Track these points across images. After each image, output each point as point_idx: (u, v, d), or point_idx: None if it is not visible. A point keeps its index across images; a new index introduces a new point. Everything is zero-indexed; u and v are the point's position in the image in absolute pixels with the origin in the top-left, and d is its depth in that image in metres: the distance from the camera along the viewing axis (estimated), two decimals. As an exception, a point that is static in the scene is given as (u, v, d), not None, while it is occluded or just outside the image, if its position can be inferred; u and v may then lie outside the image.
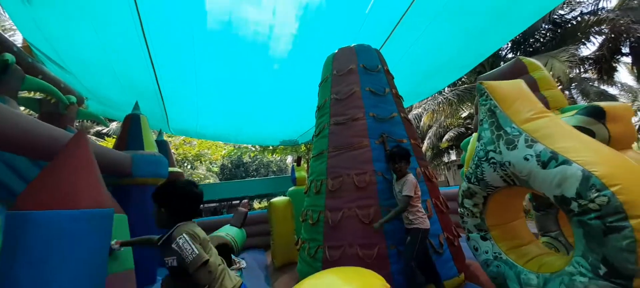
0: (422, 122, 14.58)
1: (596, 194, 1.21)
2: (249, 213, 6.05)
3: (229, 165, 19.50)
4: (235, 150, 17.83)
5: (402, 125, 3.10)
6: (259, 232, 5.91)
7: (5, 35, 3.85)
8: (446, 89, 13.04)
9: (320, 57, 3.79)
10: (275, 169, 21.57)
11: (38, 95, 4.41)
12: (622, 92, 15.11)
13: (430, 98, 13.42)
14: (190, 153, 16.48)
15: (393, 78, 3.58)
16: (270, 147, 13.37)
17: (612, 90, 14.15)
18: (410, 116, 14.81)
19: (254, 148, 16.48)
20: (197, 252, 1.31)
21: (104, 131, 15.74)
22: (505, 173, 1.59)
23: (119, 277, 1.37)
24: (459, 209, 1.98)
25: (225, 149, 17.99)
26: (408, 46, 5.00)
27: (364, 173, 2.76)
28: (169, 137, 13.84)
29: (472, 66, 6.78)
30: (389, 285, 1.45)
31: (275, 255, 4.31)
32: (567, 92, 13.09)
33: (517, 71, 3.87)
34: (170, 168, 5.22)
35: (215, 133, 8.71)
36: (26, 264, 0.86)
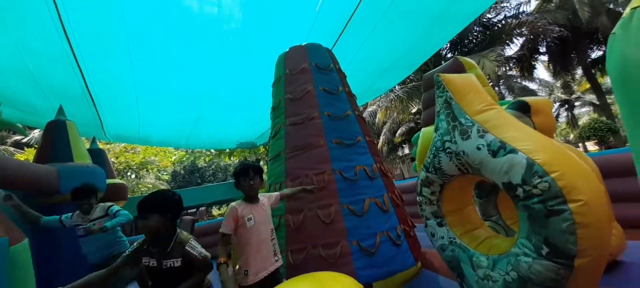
0: (377, 119, 15.27)
1: (539, 180, 1.32)
2: (208, 221, 5.64)
3: (182, 172, 18.13)
4: (187, 156, 16.61)
5: (357, 123, 3.16)
6: (216, 243, 5.56)
7: None
8: (397, 86, 13.83)
9: (273, 56, 3.68)
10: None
11: None
12: (540, 87, 17.73)
13: (383, 96, 14.11)
14: (133, 161, 14.89)
15: (345, 77, 3.63)
16: (227, 150, 12.73)
17: (532, 86, 16.43)
18: (365, 113, 15.41)
19: (209, 153, 15.55)
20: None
21: (24, 140, 13.40)
22: (459, 162, 1.69)
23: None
24: (417, 197, 2.06)
25: (176, 155, 16.65)
26: (359, 46, 5.18)
27: (323, 173, 2.75)
28: (106, 144, 12.31)
29: (418, 64, 7.27)
30: (357, 284, 1.42)
31: (237, 264, 4.07)
32: (496, 88, 14.85)
33: (456, 69, 4.22)
34: (109, 180, 4.60)
35: (162, 138, 7.96)
36: None
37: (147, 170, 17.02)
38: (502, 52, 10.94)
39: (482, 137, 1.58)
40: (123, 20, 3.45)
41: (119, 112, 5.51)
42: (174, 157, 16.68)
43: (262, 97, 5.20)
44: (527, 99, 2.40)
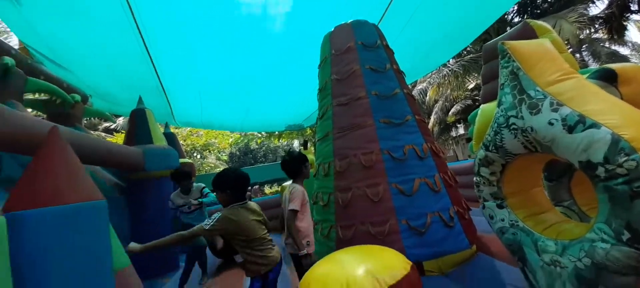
0: (427, 97, 14.28)
1: (625, 158, 1.16)
2: (262, 198, 6.13)
3: (237, 153, 19.69)
4: (242, 138, 17.93)
5: (406, 101, 3.04)
6: (271, 216, 6.02)
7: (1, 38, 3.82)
8: (451, 60, 12.67)
9: (318, 36, 3.68)
10: (282, 154, 21.72)
11: (43, 96, 4.43)
12: (633, 52, 14.46)
13: (434, 71, 13.07)
14: (198, 143, 16.66)
15: (393, 53, 3.47)
16: (276, 133, 13.38)
17: (623, 50, 13.56)
18: (414, 91, 14.52)
19: (260, 135, 16.53)
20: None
21: (112, 127, 15.94)
22: (526, 140, 1.54)
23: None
24: (474, 178, 1.95)
25: (232, 137, 18.11)
26: (407, 18, 4.82)
27: (371, 152, 2.75)
28: (176, 128, 13.94)
29: (477, 34, 6.52)
30: (410, 262, 1.44)
31: (289, 238, 4.39)
32: (577, 55, 12.62)
33: (526, 36, 3.70)
34: (181, 160, 5.27)
35: (221, 122, 8.73)
36: (17, 269, 0.83)
37: (209, 151, 18.92)
38: (584, 12, 9.13)
39: (555, 110, 1.41)
40: (187, 20, 3.82)
41: (185, 101, 6.21)
42: (230, 139, 18.17)
43: (309, 79, 5.29)
44: (613, 65, 2.03)
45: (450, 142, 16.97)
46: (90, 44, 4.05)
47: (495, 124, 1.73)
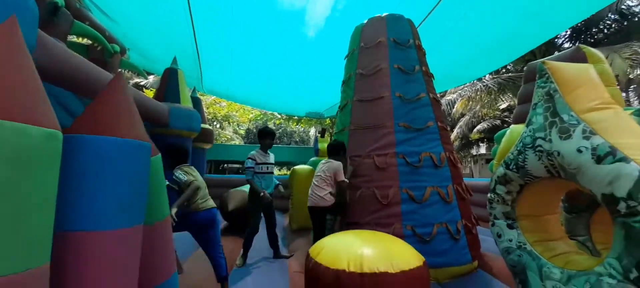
0: (454, 109, 13.80)
1: None
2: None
3: (254, 130, 20.04)
4: (261, 116, 18.22)
5: (430, 106, 2.97)
6: (276, 195, 6.15)
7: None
8: (487, 76, 12.13)
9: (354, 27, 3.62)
10: (297, 139, 21.88)
11: (85, 41, 4.68)
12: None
13: (468, 84, 12.57)
14: (219, 113, 17.10)
15: (425, 54, 3.35)
16: (296, 117, 13.48)
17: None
18: (442, 100, 14.09)
19: (279, 116, 16.71)
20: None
21: (142, 83, 16.61)
22: (551, 164, 1.50)
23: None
24: (489, 194, 1.91)
25: (252, 113, 18.43)
26: (453, 23, 4.63)
27: (385, 155, 2.73)
28: (201, 95, 14.36)
29: (522, 52, 6.19)
30: (423, 258, 1.43)
31: (292, 219, 4.50)
32: (624, 94, 11.74)
33: (575, 60, 3.49)
34: (202, 125, 5.46)
35: (245, 97, 8.91)
36: (69, 181, 0.96)
37: (229, 123, 19.38)
38: (638, 50, 8.39)
39: (587, 138, 1.36)
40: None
41: (215, 69, 6.38)
42: (250, 115, 18.50)
43: (337, 70, 5.29)
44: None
45: (469, 159, 16.48)
46: (140, 3, 4.23)
47: (521, 144, 1.68)
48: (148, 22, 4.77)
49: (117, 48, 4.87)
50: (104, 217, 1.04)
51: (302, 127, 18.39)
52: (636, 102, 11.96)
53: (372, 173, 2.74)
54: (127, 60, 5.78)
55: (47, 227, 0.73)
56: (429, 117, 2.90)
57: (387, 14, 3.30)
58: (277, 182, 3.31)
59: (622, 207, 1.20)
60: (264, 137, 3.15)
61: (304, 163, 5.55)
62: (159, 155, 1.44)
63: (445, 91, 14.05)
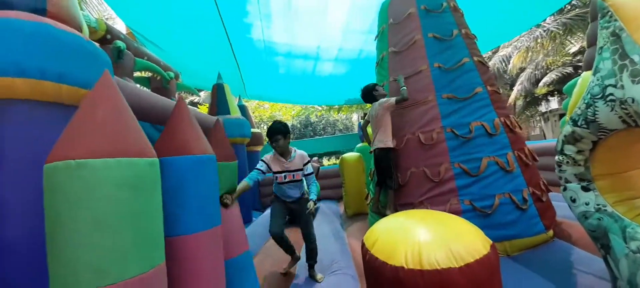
0: (510, 65, 12.19)
1: None
2: (321, 168, 6.48)
3: (298, 126, 20.66)
4: (303, 111, 18.69)
5: (476, 71, 2.72)
6: (331, 185, 6.35)
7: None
8: (548, 19, 10.43)
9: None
10: (341, 127, 21.91)
11: (146, 74, 5.40)
12: None
13: (525, 34, 10.98)
14: (264, 115, 18.06)
15: (463, 15, 3.06)
16: (336, 106, 13.52)
17: None
18: (495, 58, 12.59)
19: (320, 108, 16.93)
20: None
21: (196, 100, 18.36)
22: (625, 113, 1.31)
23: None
24: (556, 157, 1.74)
25: (294, 110, 19.03)
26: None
27: (431, 131, 2.61)
28: (246, 101, 15.36)
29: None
30: (489, 241, 1.27)
31: (347, 206, 4.62)
32: None
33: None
34: (252, 130, 5.90)
35: (285, 96, 9.31)
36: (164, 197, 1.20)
37: (274, 123, 20.37)
38: None
39: (669, 78, 1.15)
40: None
41: (255, 76, 6.83)
42: (293, 112, 19.14)
43: (371, 52, 5.23)
44: None
45: (538, 118, 14.57)
46: (180, 26, 4.77)
47: (588, 95, 1.49)
48: (192, 46, 5.34)
49: (172, 74, 5.51)
50: (190, 222, 1.27)
51: (343, 114, 18.35)
52: None
53: (419, 152, 2.65)
54: (181, 83, 6.49)
55: (160, 232, 0.96)
56: (476, 82, 2.68)
57: None
58: (314, 197, 2.32)
59: None
60: (270, 136, 2.31)
61: (351, 150, 5.60)
62: (235, 162, 1.74)
63: (497, 48, 12.54)
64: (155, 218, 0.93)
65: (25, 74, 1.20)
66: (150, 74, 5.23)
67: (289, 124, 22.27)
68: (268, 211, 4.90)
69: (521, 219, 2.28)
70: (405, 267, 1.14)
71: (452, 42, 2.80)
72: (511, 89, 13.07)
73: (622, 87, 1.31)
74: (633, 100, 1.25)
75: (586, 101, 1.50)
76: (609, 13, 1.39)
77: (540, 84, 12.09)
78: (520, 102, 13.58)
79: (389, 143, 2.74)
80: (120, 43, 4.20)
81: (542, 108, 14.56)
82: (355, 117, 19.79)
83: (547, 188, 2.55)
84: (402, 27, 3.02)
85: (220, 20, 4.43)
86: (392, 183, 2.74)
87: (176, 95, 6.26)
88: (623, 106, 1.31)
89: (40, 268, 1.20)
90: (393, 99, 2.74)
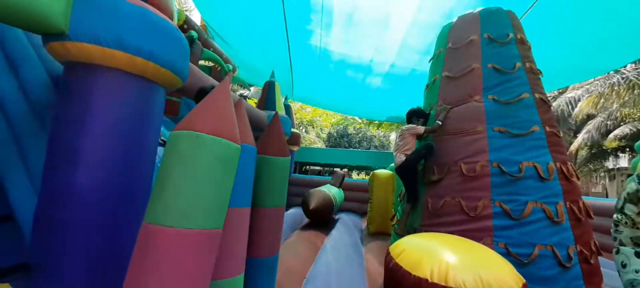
0: (577, 109, 11.01)
1: None
2: (352, 179, 6.51)
3: (335, 134, 20.81)
4: (342, 120, 18.80)
5: (535, 107, 2.56)
6: (356, 198, 6.32)
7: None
8: (629, 66, 9.29)
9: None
10: (377, 144, 21.58)
11: (209, 64, 5.95)
12: None
13: (600, 78, 9.86)
14: (305, 118, 18.57)
15: (530, 48, 2.90)
16: (376, 122, 13.41)
17: None
18: (561, 99, 11.48)
19: (360, 121, 16.90)
20: None
21: (245, 94, 19.54)
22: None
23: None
24: (614, 215, 1.59)
25: (334, 118, 19.25)
26: (571, 3, 3.83)
27: (476, 163, 2.48)
28: (291, 102, 15.99)
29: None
30: (522, 278, 1.21)
31: (370, 222, 4.58)
32: None
33: None
34: (292, 130, 6.15)
35: (329, 103, 9.53)
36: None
37: (313, 127, 20.79)
38: None
39: None
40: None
41: (305, 79, 7.13)
42: (333, 120, 19.38)
43: (422, 75, 5.19)
44: None
45: (602, 174, 12.89)
46: (248, 23, 5.23)
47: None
48: (253, 42, 5.77)
49: (231, 67, 6.00)
50: (235, 200, 1.39)
51: (382, 131, 18.10)
52: None
53: (459, 182, 2.53)
54: (237, 76, 7.02)
55: (227, 203, 1.14)
56: (533, 120, 2.52)
57: (481, 8, 3.04)
58: None
59: None
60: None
61: (384, 168, 5.54)
62: (289, 157, 1.85)
63: (565, 88, 11.43)
64: (228, 192, 1.12)
65: (124, 48, 1.45)
66: (212, 64, 5.76)
67: (326, 130, 22.55)
68: (292, 210, 5.05)
69: (562, 278, 2.08)
70: (430, 279, 1.13)
71: (513, 75, 2.67)
72: (575, 136, 11.78)
73: None
74: None
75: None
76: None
77: (611, 136, 10.72)
78: (583, 152, 12.18)
79: (405, 155, 2.87)
80: (193, 33, 4.70)
81: (610, 164, 12.83)
82: (394, 136, 19.38)
83: (598, 250, 2.29)
84: (460, 52, 2.95)
85: (284, 24, 4.76)
86: (411, 198, 2.82)
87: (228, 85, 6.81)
88: None
89: (108, 215, 1.43)
90: (422, 128, 2.86)
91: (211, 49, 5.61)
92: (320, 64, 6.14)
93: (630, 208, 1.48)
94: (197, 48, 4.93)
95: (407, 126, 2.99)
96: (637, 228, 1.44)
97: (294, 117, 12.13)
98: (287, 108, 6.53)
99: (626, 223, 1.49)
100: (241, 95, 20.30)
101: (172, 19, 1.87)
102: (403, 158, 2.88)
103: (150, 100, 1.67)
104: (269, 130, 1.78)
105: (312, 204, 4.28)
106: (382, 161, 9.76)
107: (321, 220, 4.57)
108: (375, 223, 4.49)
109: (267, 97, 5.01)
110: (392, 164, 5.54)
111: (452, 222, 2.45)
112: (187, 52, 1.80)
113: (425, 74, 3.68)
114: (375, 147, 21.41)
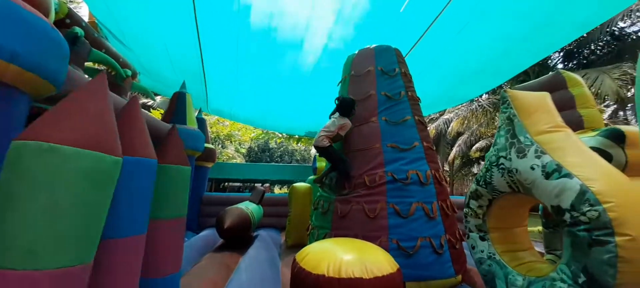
0: (450, 127, 14.10)
1: (588, 208, 1.31)
2: (272, 194, 6.46)
3: (256, 149, 20.35)
4: (263, 135, 18.60)
5: (415, 127, 3.21)
6: (277, 213, 6.30)
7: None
8: (484, 96, 12.49)
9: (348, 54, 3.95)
10: (298, 158, 22.10)
11: (100, 67, 5.06)
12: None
13: (465, 104, 12.94)
14: (222, 132, 17.50)
15: (410, 79, 3.63)
16: (296, 136, 13.80)
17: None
18: (439, 121, 14.41)
19: (280, 135, 17.06)
20: None
21: (149, 104, 17.16)
22: (511, 180, 1.70)
23: (170, 223, 1.63)
24: (464, 209, 2.09)
25: (254, 132, 18.82)
26: (443, 47, 4.97)
27: (375, 174, 2.94)
28: (206, 115, 14.82)
29: (511, 75, 6.53)
30: (397, 265, 1.58)
31: (288, 235, 4.64)
32: (621, 113, 11.95)
33: (555, 85, 3.72)
34: (206, 145, 5.72)
35: (247, 117, 9.28)
36: None
37: (231, 142, 19.75)
38: (628, 71, 8.66)
39: (538, 157, 1.57)
40: (237, 18, 4.32)
41: (220, 92, 6.79)
42: (252, 134, 18.90)
43: (334, 93, 5.64)
44: (624, 127, 2.11)
45: (471, 177, 16.49)
46: (153, 28, 4.67)
47: (488, 162, 1.90)
48: (160, 48, 5.20)
49: (129, 72, 5.24)
50: (125, 226, 1.24)
51: (303, 145, 18.68)
52: (633, 121, 12.11)
53: (363, 190, 2.94)
54: (138, 83, 6.15)
55: (99, 232, 0.94)
56: (415, 137, 3.13)
57: (376, 45, 3.62)
58: None
59: (567, 217, 1.38)
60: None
61: (303, 181, 5.73)
62: (189, 166, 1.71)
63: (443, 111, 14.39)
64: (101, 217, 0.93)
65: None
66: (104, 67, 4.92)
67: (246, 145, 21.81)
68: (205, 232, 4.67)
69: (437, 262, 2.59)
70: (326, 275, 1.40)
71: (400, 101, 3.28)
72: (451, 149, 14.84)
73: (510, 159, 1.71)
74: (517, 171, 1.65)
75: (486, 166, 1.90)
76: (508, 102, 1.85)
77: (474, 148, 13.99)
78: (457, 162, 15.40)
79: (327, 138, 3.12)
80: (78, 29, 3.95)
81: (475, 169, 16.61)
82: (314, 150, 20.26)
83: (461, 237, 2.95)
84: (361, 80, 3.46)
85: (196, 27, 4.46)
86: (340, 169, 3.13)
87: (129, 95, 5.89)
88: (510, 174, 1.71)
89: None
90: (350, 128, 3.23)
91: (103, 50, 4.80)
92: (237, 77, 5.97)
93: (473, 204, 1.99)
94: (82, 48, 4.14)
95: (338, 118, 3.24)
96: (479, 218, 1.95)
97: (210, 131, 11.34)
98: (201, 121, 6.08)
99: (471, 214, 2.00)
100: (144, 105, 17.74)
101: (47, 15, 1.58)
102: (326, 142, 3.12)
103: (6, 111, 1.35)
104: (167, 139, 1.69)
105: (227, 223, 4.03)
106: (304, 174, 10.04)
107: (238, 239, 4.36)
108: (293, 236, 4.57)
109: (177, 109, 4.57)
110: (311, 177, 5.82)
111: (356, 224, 2.80)
112: (63, 54, 1.53)
113: (334, 92, 4.10)
114: (297, 160, 21.86)
